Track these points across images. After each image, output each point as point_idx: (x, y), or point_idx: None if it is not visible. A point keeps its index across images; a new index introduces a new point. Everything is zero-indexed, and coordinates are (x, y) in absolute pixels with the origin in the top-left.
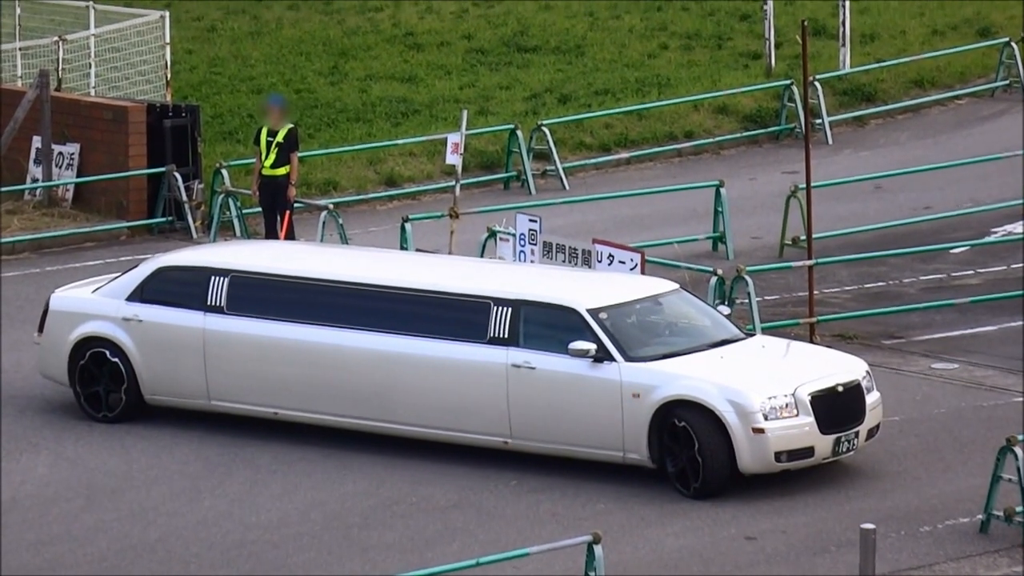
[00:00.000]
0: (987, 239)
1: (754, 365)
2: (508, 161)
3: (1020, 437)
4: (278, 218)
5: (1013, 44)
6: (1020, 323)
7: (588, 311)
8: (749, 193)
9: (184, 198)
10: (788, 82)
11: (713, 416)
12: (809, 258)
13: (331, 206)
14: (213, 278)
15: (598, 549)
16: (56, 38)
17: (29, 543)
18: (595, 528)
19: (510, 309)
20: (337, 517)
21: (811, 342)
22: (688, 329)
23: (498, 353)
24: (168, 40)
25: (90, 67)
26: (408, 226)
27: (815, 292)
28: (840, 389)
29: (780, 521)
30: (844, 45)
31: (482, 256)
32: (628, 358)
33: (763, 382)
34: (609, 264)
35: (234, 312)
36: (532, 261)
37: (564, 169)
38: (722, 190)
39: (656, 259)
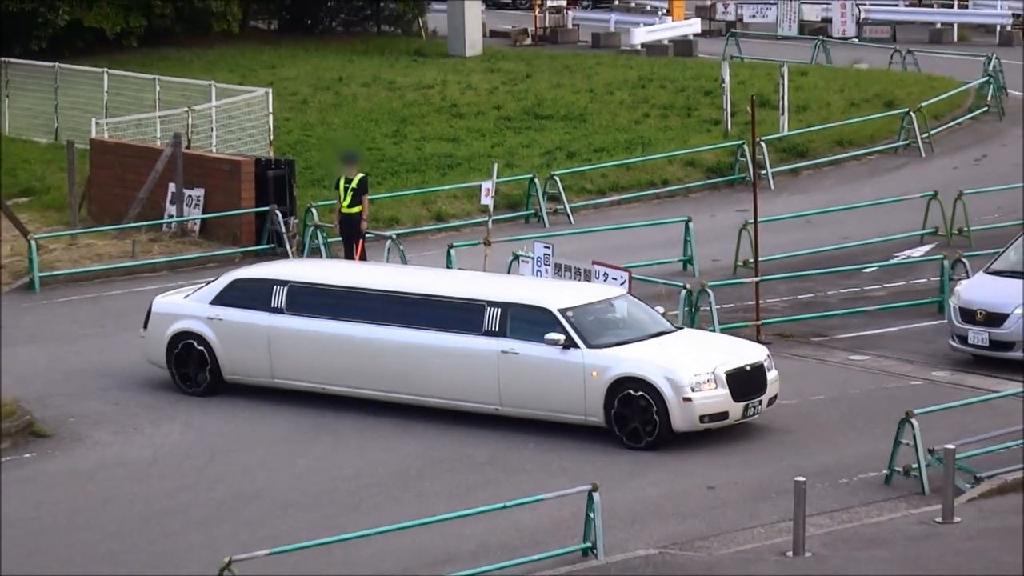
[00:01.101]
0: (891, 261)
1: (684, 351)
2: (528, 202)
3: (915, 411)
4: (354, 246)
5: (911, 114)
6: (917, 325)
7: (559, 310)
8: (710, 226)
9: (283, 230)
10: (741, 142)
11: (653, 389)
12: (756, 276)
13: (394, 236)
14: (275, 287)
15: (596, 495)
16: (186, 109)
17: (166, 490)
18: (594, 480)
19: (500, 309)
20: (399, 471)
21: (757, 340)
22: (633, 324)
23: (491, 343)
24: (271, 110)
25: (212, 131)
26: (452, 251)
27: (760, 301)
28: (748, 368)
29: (733, 474)
30: (783, 114)
31: (508, 273)
32: (589, 345)
33: (690, 363)
34: (604, 280)
35: (292, 312)
36: (546, 278)
37: (571, 208)
38: (690, 224)
39: (640, 276)
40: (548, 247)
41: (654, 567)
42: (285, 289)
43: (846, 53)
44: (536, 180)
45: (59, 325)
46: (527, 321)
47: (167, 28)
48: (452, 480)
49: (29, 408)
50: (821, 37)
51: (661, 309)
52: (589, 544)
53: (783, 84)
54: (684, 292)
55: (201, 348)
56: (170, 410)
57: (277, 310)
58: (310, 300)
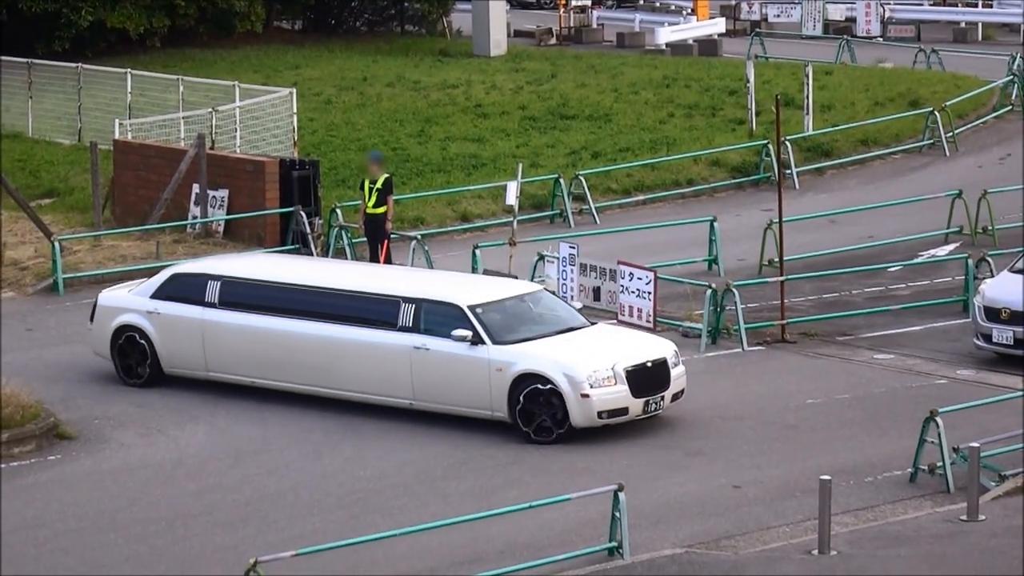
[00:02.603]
0: (915, 260)
1: (587, 347)
2: (553, 202)
3: (940, 410)
4: (379, 246)
5: (936, 113)
6: (941, 324)
7: (468, 307)
8: (735, 226)
9: (307, 231)
10: (765, 142)
11: (552, 385)
12: (781, 275)
13: (419, 236)
14: (209, 282)
15: (622, 495)
16: (210, 109)
17: (190, 492)
18: (619, 479)
19: (414, 305)
20: (424, 472)
21: (782, 340)
22: (546, 319)
23: (405, 338)
24: (295, 110)
25: (236, 131)
26: (478, 252)
27: (785, 301)
28: (649, 364)
29: (758, 474)
30: (808, 113)
31: (533, 275)
32: (495, 342)
33: (590, 360)
34: (630, 280)
35: (224, 307)
36: (572, 279)
37: (596, 208)
38: (715, 224)
39: (665, 276)
40: (573, 247)
41: (680, 566)
42: (218, 284)
43: (870, 52)
44: (561, 180)
45: (83, 327)
46: (439, 316)
47: (190, 28)
48: (477, 481)
49: (54, 410)
50: (845, 36)
51: (579, 305)
52: (615, 544)
53: (807, 83)
54: (709, 292)
55: (142, 341)
56: (194, 412)
57: (210, 304)
58: (240, 295)
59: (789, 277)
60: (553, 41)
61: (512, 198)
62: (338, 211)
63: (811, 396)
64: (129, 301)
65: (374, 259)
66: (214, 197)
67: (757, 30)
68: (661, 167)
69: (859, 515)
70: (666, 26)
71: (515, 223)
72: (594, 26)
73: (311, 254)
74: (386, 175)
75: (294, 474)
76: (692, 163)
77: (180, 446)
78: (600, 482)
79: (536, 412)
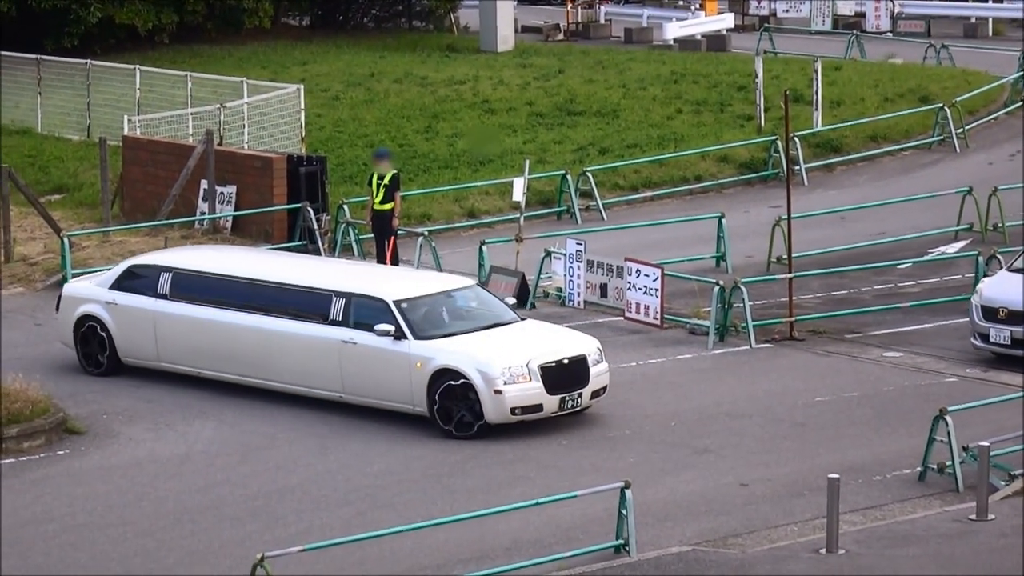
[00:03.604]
0: (925, 257)
1: (506, 344)
2: (560, 198)
3: (950, 408)
4: (386, 242)
5: (946, 109)
6: (951, 321)
7: (393, 302)
8: (744, 223)
9: (315, 227)
10: (774, 138)
11: (467, 380)
12: (789, 272)
13: (426, 233)
14: (161, 274)
15: (628, 493)
16: (218, 105)
17: (198, 487)
18: (626, 476)
19: (344, 299)
20: (430, 468)
21: (791, 337)
22: (473, 315)
23: (335, 332)
24: (303, 106)
25: (244, 127)
26: (484, 248)
27: (794, 298)
28: (566, 361)
29: (766, 472)
30: (817, 109)
31: (539, 272)
32: (417, 337)
33: (506, 356)
34: (637, 277)
35: (174, 299)
36: (579, 275)
37: (603, 204)
38: (723, 220)
39: (673, 273)
40: (580, 243)
41: (687, 564)
42: (170, 276)
43: (880, 48)
44: (568, 176)
45: None
46: (367, 311)
47: (199, 24)
48: (483, 477)
49: (63, 405)
50: (855, 32)
51: (511, 300)
52: (622, 541)
53: (816, 79)
54: (717, 289)
55: (101, 331)
56: (203, 407)
57: (163, 296)
58: (188, 287)
59: (798, 274)
60: (560, 37)
61: (519, 194)
62: (345, 207)
63: (820, 394)
64: (90, 292)
65: (381, 256)
66: (222, 193)
67: (766, 25)
68: (669, 163)
69: (868, 514)
70: (674, 21)
71: (522, 219)
72: (602, 22)
73: (319, 250)
74: (394, 171)
75: (301, 470)
76: (700, 159)
77: (188, 441)
78: (607, 479)
79: (452, 407)
